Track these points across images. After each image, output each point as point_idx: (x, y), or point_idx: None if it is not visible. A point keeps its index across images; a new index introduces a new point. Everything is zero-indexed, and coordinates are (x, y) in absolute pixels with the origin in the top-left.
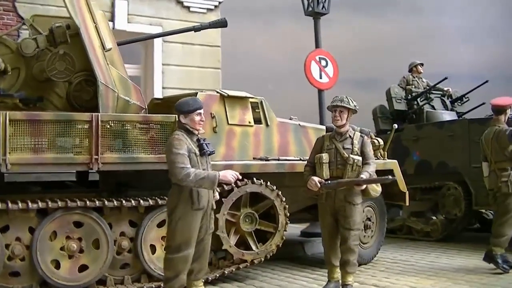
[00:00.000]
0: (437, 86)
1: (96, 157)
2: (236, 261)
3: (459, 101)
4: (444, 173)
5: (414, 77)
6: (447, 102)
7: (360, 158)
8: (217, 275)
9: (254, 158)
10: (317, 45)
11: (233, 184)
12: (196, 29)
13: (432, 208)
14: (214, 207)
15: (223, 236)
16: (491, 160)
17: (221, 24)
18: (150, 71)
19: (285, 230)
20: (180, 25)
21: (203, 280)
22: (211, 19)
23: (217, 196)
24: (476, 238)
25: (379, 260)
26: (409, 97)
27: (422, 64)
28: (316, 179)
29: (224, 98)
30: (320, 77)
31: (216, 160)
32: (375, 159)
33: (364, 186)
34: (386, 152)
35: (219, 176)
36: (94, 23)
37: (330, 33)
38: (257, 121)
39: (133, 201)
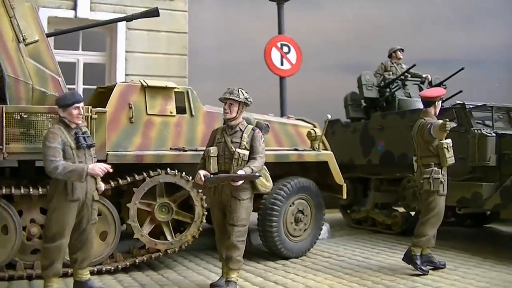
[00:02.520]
0: (415, 73)
1: (1, 147)
2: (151, 250)
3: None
4: (405, 164)
5: (392, 63)
6: (424, 89)
7: (246, 153)
8: (128, 264)
9: (171, 149)
10: (280, 31)
11: (144, 174)
12: (128, 19)
13: (397, 200)
14: (96, 198)
15: (134, 225)
16: (417, 155)
17: (153, 13)
18: (114, 59)
19: (202, 221)
20: None
21: (104, 270)
22: (178, 6)
23: (102, 188)
24: (447, 232)
25: (313, 254)
26: (382, 84)
27: (402, 50)
28: (202, 172)
29: (144, 88)
30: (282, 64)
31: (129, 150)
32: (313, 150)
33: (240, 182)
34: (321, 143)
35: (87, 169)
36: (10, 16)
37: (319, 17)
38: (182, 111)
39: (41, 189)
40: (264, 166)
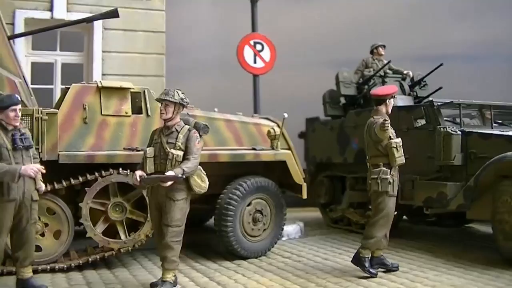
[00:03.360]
0: (397, 69)
1: None
2: (105, 249)
3: (418, 85)
4: None
5: (374, 60)
6: (406, 86)
7: (180, 153)
8: (81, 262)
9: (124, 149)
10: (254, 29)
11: (96, 174)
12: (87, 20)
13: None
14: (35, 198)
15: (86, 224)
16: (367, 155)
17: (112, 14)
18: (90, 59)
19: None
20: (123, 12)
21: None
22: (155, 6)
23: (42, 188)
24: (423, 232)
25: (274, 254)
26: (361, 80)
27: (384, 46)
28: (138, 173)
29: (100, 89)
30: (255, 62)
31: (82, 150)
32: (272, 150)
33: (169, 183)
34: (285, 143)
35: (20, 170)
36: None
37: (311, 13)
38: (139, 111)
39: None
40: (200, 167)
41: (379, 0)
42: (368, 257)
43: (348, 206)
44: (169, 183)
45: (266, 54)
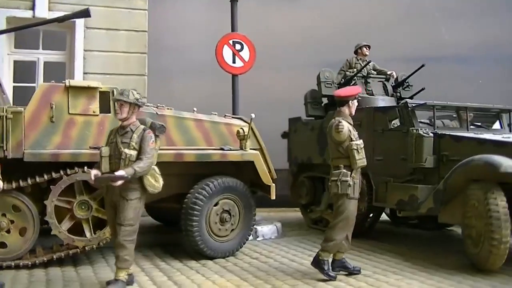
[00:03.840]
0: (381, 69)
1: None
2: (70, 246)
3: (401, 86)
4: None
5: (358, 60)
6: (389, 87)
7: (134, 153)
8: (45, 259)
9: (90, 147)
10: (233, 29)
11: (61, 172)
12: (59, 19)
13: None
14: None
15: (51, 222)
16: (330, 156)
17: (84, 14)
18: (72, 57)
19: None
20: (105, 11)
21: None
22: (138, 5)
23: (0, 186)
24: (402, 235)
25: (243, 255)
26: (342, 81)
27: (368, 46)
28: (93, 172)
29: (68, 88)
30: (234, 62)
31: (48, 148)
32: (240, 150)
33: (119, 182)
34: (247, 143)
35: None
36: None
37: (298, 13)
38: (107, 110)
39: None
40: (154, 167)
41: (371, 2)
42: (327, 260)
43: (327, 207)
44: (119, 182)
45: (245, 53)
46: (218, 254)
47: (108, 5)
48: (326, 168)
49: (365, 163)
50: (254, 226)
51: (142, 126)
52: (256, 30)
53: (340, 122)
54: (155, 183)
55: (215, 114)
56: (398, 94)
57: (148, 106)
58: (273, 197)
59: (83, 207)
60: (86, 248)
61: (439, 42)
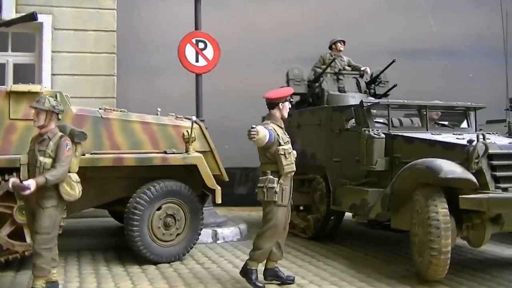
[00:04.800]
0: (355, 65)
1: None
2: (11, 251)
3: (374, 83)
4: (314, 165)
5: (332, 56)
6: (362, 83)
7: (48, 161)
8: None
9: (27, 153)
10: (197, 27)
11: None
12: (6, 23)
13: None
14: None
15: None
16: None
17: (30, 18)
18: (41, 59)
19: (60, 225)
20: (73, 12)
21: None
22: (106, 5)
23: None
24: (376, 239)
25: (191, 259)
26: (312, 78)
27: (343, 42)
28: (11, 180)
29: (9, 93)
30: (197, 61)
31: None
32: (183, 153)
33: (27, 191)
34: (191, 146)
35: None
36: None
37: (286, 9)
38: None
39: None
40: (70, 174)
41: None
42: (255, 269)
43: (293, 208)
44: (27, 191)
45: (209, 52)
46: (162, 259)
47: (76, 6)
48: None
49: (294, 169)
50: (214, 228)
51: (60, 134)
52: (237, 26)
53: (252, 128)
54: (71, 191)
55: (172, 115)
56: (372, 91)
57: (93, 109)
58: (219, 201)
59: (23, 212)
60: (26, 253)
61: (427, 35)
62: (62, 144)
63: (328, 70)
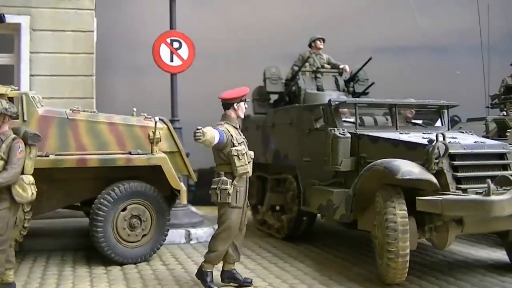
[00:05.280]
0: (335, 63)
1: None
2: None
3: (352, 81)
4: (287, 165)
5: (311, 54)
6: (340, 81)
7: (0, 163)
8: None
9: None
10: (172, 26)
11: None
12: None
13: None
14: None
15: None
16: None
17: None
18: (19, 60)
19: (24, 225)
20: (51, 13)
21: None
22: (84, 5)
23: None
24: (354, 239)
25: (156, 261)
26: (290, 76)
27: (322, 40)
28: None
29: None
30: (172, 60)
31: None
32: (147, 154)
33: None
34: (155, 146)
35: None
36: None
37: (272, 7)
38: (16, 116)
39: None
40: (23, 176)
41: None
42: (210, 272)
43: (268, 209)
44: None
45: (184, 51)
46: (128, 260)
47: (53, 7)
48: (268, 168)
49: (248, 170)
50: (188, 229)
51: (13, 136)
52: (220, 25)
53: (197, 129)
54: (23, 193)
55: (143, 115)
56: (351, 89)
57: (61, 110)
58: (184, 201)
59: None
60: None
61: (413, 31)
62: (14, 146)
63: (308, 68)
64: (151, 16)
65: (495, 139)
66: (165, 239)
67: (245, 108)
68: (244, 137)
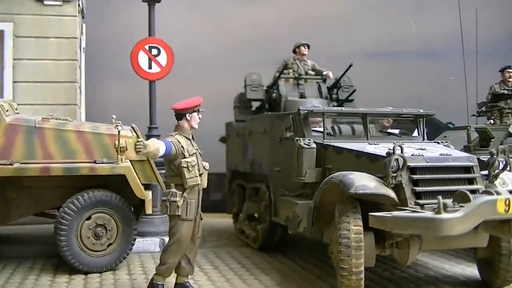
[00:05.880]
0: (319, 69)
1: None
2: None
3: (335, 87)
4: (261, 174)
5: (295, 60)
6: (323, 88)
7: None
8: None
9: None
10: (150, 33)
11: None
12: None
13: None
14: None
15: None
16: None
17: None
18: (2, 67)
19: None
20: (34, 20)
21: None
22: (68, 11)
23: None
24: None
25: (121, 270)
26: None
27: (307, 45)
28: None
29: None
30: (150, 67)
31: None
32: (112, 163)
33: None
34: (120, 155)
35: None
36: None
37: (253, 11)
38: None
39: None
40: None
41: None
42: (161, 284)
43: (246, 218)
44: None
45: (162, 58)
46: (93, 269)
47: (37, 13)
48: (246, 176)
49: (198, 182)
50: (161, 238)
51: None
52: (207, 30)
53: (138, 141)
54: None
55: (118, 123)
56: (335, 96)
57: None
58: (149, 211)
59: None
60: None
61: (406, 35)
62: None
63: (291, 74)
64: (145, 22)
65: (476, 149)
66: (131, 248)
67: (199, 118)
68: (197, 148)
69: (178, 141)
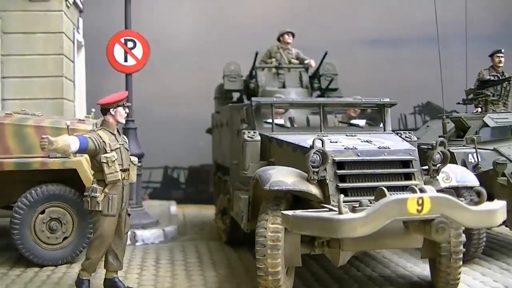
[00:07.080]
0: (303, 57)
1: None
2: None
3: (315, 77)
4: (226, 166)
5: (279, 49)
6: (304, 77)
7: None
8: None
9: None
10: (126, 26)
11: None
12: None
13: None
14: None
15: None
16: None
17: None
18: None
19: None
20: (22, 16)
21: None
22: (54, 6)
23: None
24: None
25: (74, 264)
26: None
27: (291, 34)
28: None
29: None
30: (126, 60)
31: None
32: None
33: None
34: None
35: None
36: None
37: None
38: None
39: None
40: None
41: None
42: (86, 279)
43: (219, 211)
44: None
45: (138, 51)
46: (48, 262)
47: (23, 9)
48: (222, 168)
49: (118, 178)
50: (133, 230)
51: None
52: (195, 22)
53: (43, 138)
54: None
55: (88, 116)
56: (317, 85)
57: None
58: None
59: None
60: None
61: (410, 21)
62: None
63: (273, 63)
64: (145, 16)
65: (452, 140)
66: (87, 241)
67: (126, 113)
68: (123, 143)
69: (100, 136)
